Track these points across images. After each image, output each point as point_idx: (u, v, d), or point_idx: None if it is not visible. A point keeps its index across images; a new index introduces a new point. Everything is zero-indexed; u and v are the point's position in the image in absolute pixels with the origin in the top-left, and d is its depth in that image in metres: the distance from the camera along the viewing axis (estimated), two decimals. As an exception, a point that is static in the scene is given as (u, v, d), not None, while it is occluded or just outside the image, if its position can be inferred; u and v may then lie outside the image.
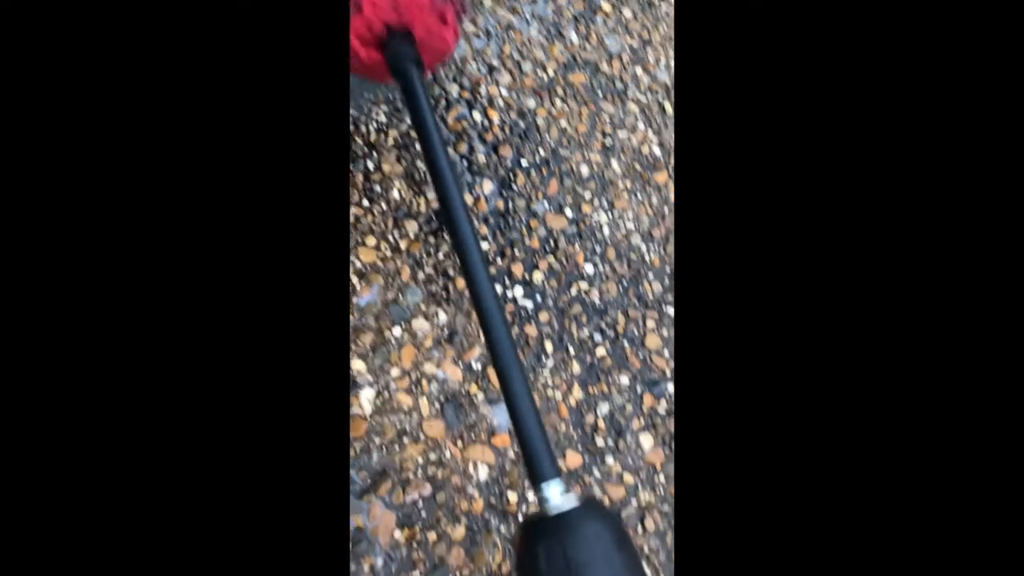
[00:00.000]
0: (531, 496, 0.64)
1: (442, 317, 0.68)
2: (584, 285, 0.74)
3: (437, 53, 0.51)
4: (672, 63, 0.92)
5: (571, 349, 0.70)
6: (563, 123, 0.82)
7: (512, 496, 0.62)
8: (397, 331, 0.65)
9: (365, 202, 0.71)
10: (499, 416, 0.65)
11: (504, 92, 0.81)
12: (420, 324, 0.66)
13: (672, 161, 0.85)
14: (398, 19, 0.46)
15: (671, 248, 0.80)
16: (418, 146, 0.64)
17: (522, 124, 0.80)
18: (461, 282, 0.70)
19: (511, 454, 0.63)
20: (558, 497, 0.32)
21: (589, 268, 0.75)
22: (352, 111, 0.75)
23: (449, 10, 0.49)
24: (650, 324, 0.74)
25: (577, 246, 0.76)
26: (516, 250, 0.74)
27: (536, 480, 0.30)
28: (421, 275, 0.69)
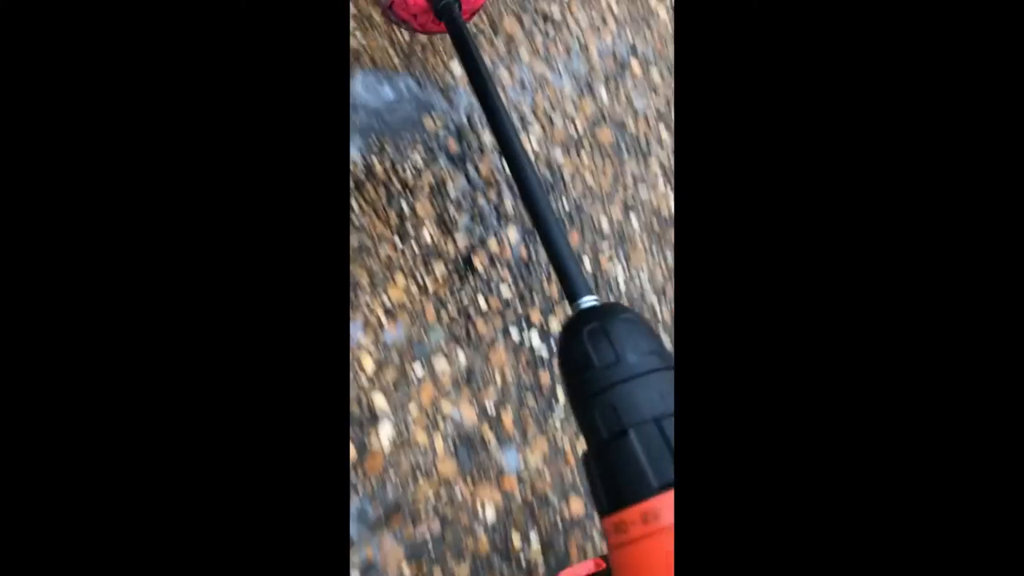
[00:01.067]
0: (533, 537, 0.66)
1: (461, 358, 0.71)
2: (597, 336, 0.77)
3: (472, 4, 0.58)
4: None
5: (581, 398, 0.73)
6: (588, 177, 0.86)
7: (516, 538, 0.65)
8: (419, 369, 0.68)
9: (398, 241, 0.74)
10: (509, 459, 0.68)
11: (535, 144, 0.85)
12: (441, 363, 0.70)
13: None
14: None
15: (682, 306, 0.83)
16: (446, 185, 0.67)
17: (549, 176, 0.84)
18: (481, 324, 0.73)
19: (518, 498, 0.66)
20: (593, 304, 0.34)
21: (603, 320, 0.79)
22: (390, 152, 0.79)
23: None
24: (657, 379, 0.78)
25: (593, 298, 0.79)
26: (535, 296, 0.77)
27: (573, 297, 0.33)
28: (445, 316, 0.72)
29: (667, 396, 0.24)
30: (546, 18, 0.93)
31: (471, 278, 0.75)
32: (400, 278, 0.72)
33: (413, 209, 0.76)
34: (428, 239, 0.75)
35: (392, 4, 0.61)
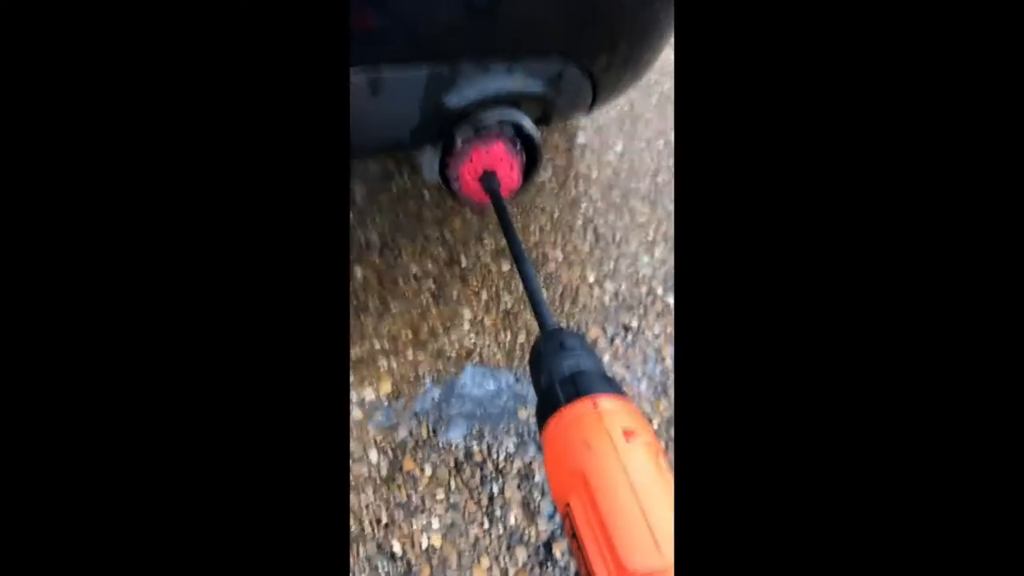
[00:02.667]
0: None
1: (536, 655, 0.72)
2: None
3: (509, 187, 0.78)
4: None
5: None
6: (662, 473, 0.94)
7: None
8: (494, 663, 0.70)
9: (486, 523, 0.82)
10: None
11: (613, 438, 0.96)
12: (515, 659, 0.71)
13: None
14: (489, 165, 0.73)
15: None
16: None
17: (626, 469, 0.92)
18: (557, 619, 0.75)
19: None
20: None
21: None
22: (487, 439, 0.92)
23: (517, 163, 0.78)
24: None
25: None
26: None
27: (543, 326, 0.40)
28: (523, 606, 0.75)
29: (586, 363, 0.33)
30: (627, 328, 1.11)
31: (549, 566, 0.80)
32: (485, 560, 0.79)
33: (503, 492, 0.86)
34: (513, 523, 0.83)
35: (460, 190, 0.82)
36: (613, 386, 0.33)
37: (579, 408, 0.30)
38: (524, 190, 0.83)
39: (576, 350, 0.35)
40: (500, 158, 0.74)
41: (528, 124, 0.72)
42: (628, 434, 0.29)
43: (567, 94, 0.77)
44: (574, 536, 0.27)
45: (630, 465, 0.27)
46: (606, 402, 0.31)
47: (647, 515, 0.26)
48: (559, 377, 0.33)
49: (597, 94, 0.83)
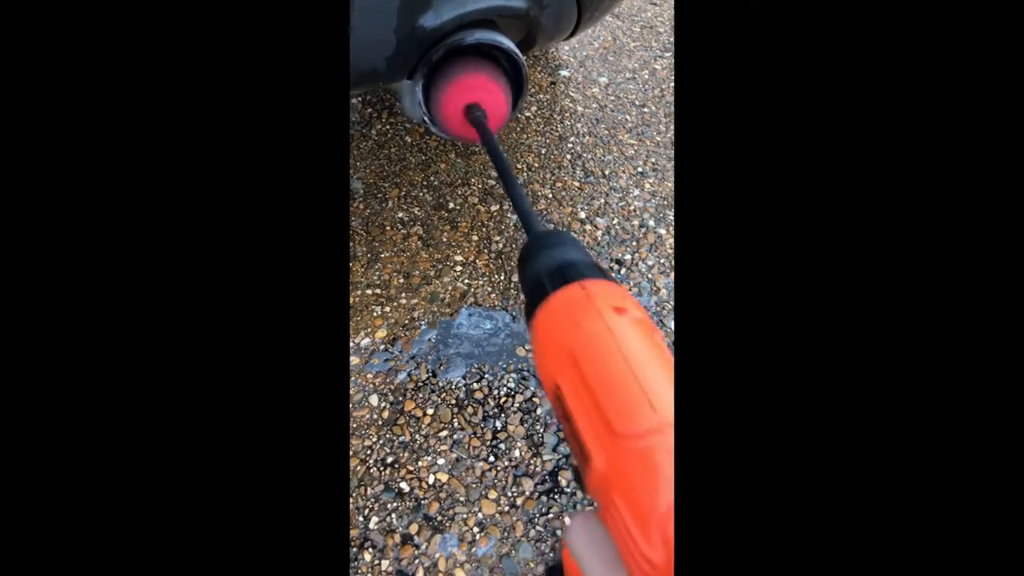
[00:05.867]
0: None
1: (547, 577, 0.74)
2: None
3: (498, 118, 0.75)
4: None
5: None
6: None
7: None
8: (508, 587, 0.72)
9: (491, 458, 0.83)
10: None
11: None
12: (528, 582, 0.73)
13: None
14: (473, 95, 0.71)
15: None
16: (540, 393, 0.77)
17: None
18: (566, 543, 0.78)
19: None
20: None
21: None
22: (487, 375, 0.92)
23: (502, 90, 0.74)
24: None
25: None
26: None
27: (531, 231, 0.39)
28: (533, 532, 0.77)
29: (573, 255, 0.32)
30: (619, 263, 1.10)
31: (556, 494, 0.81)
32: (492, 493, 0.80)
33: (506, 427, 0.86)
34: (518, 456, 0.84)
35: (445, 125, 0.77)
36: (605, 274, 0.31)
37: (568, 292, 0.29)
38: (511, 119, 0.80)
39: (565, 245, 0.33)
40: (483, 85, 0.71)
41: (510, 45, 0.69)
42: (619, 310, 0.27)
43: (551, 8, 0.73)
44: (567, 419, 0.26)
45: (620, 336, 0.26)
46: (596, 285, 0.29)
47: (639, 379, 0.24)
48: (547, 270, 0.31)
49: (582, 12, 0.79)
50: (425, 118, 0.74)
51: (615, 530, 0.22)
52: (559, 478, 0.82)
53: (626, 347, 0.25)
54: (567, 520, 0.79)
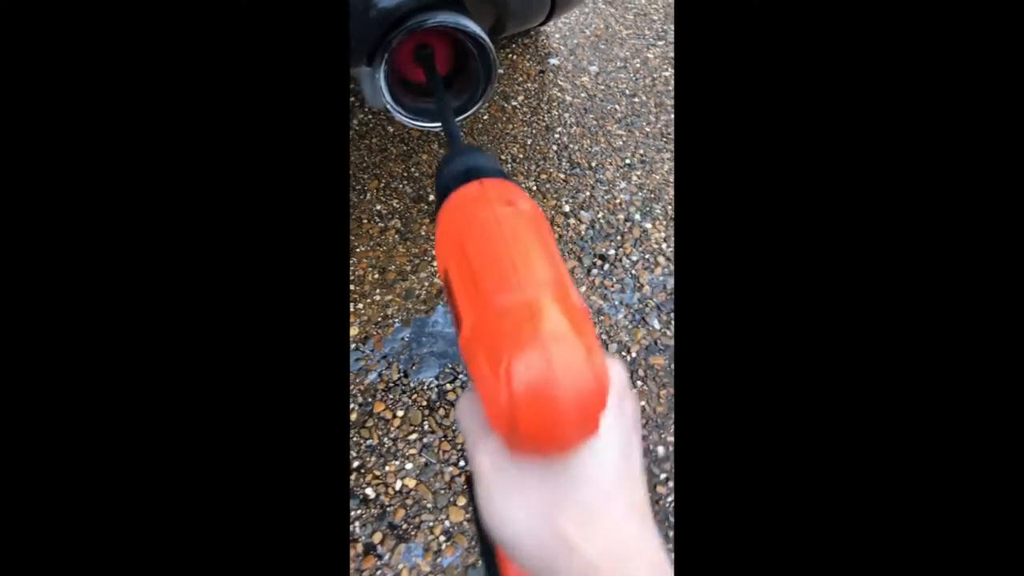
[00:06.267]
0: None
1: (516, 589, 0.71)
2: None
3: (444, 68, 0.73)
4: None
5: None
6: (643, 403, 0.91)
7: None
8: (473, 599, 0.69)
9: (462, 462, 0.80)
10: None
11: (592, 369, 0.92)
12: (495, 594, 0.70)
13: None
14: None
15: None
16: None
17: (606, 400, 0.90)
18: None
19: None
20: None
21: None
22: (461, 375, 0.88)
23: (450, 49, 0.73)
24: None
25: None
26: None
27: (452, 146, 0.41)
28: (501, 542, 0.74)
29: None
30: (603, 258, 1.06)
31: (529, 501, 0.78)
32: (462, 499, 0.76)
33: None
34: (490, 461, 0.80)
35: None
36: (506, 176, 0.33)
37: (467, 189, 0.31)
38: (482, 107, 0.75)
39: (476, 154, 0.35)
40: (433, 34, 0.68)
41: (476, 28, 0.64)
42: (509, 203, 0.29)
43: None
44: (450, 295, 0.27)
45: (503, 221, 0.27)
46: (494, 183, 0.31)
47: (510, 253, 0.26)
48: (453, 173, 0.33)
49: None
50: (388, 104, 0.70)
51: (479, 384, 0.24)
52: (532, 484, 0.79)
53: (505, 229, 0.27)
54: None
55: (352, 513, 0.75)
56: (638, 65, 1.50)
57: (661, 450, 0.86)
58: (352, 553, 0.72)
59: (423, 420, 0.84)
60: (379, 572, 0.71)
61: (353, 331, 0.94)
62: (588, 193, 1.17)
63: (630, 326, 0.99)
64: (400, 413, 0.85)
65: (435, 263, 1.03)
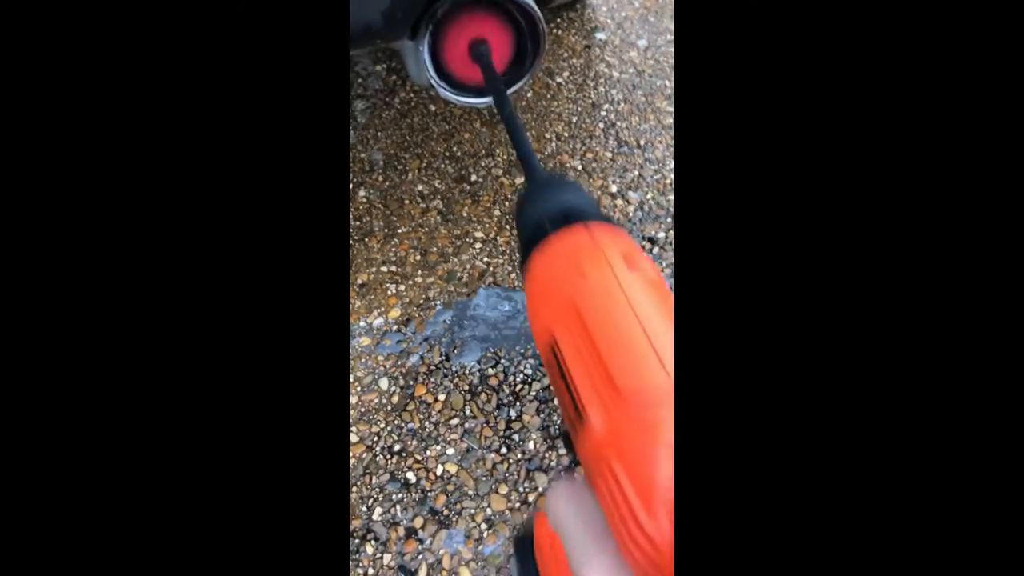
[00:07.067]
0: None
1: (559, 580, 0.69)
2: None
3: (503, 62, 0.69)
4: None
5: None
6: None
7: None
8: (515, 589, 0.67)
9: (504, 449, 0.78)
10: None
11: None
12: (537, 585, 0.68)
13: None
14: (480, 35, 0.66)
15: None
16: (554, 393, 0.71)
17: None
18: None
19: None
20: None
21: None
22: (503, 360, 0.86)
23: (509, 36, 0.68)
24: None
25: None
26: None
27: (531, 176, 0.37)
28: (544, 532, 0.72)
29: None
30: (652, 241, 1.02)
31: (572, 491, 0.76)
32: (503, 487, 0.75)
33: (520, 417, 0.81)
34: (532, 448, 0.78)
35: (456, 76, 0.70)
36: (612, 221, 0.28)
37: (571, 235, 0.26)
38: (528, 80, 0.72)
39: (569, 189, 0.29)
40: (487, 22, 0.64)
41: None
42: (629, 261, 0.24)
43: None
44: (561, 375, 0.23)
45: (631, 290, 0.23)
46: (602, 229, 0.26)
47: (650, 337, 0.21)
48: (547, 212, 0.28)
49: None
50: (433, 80, 0.67)
51: (608, 501, 0.20)
52: (577, 474, 0.76)
53: (636, 302, 0.23)
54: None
55: (393, 496, 0.75)
56: (690, 38, 1.43)
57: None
58: (394, 536, 0.72)
59: (464, 405, 0.82)
60: (420, 556, 0.70)
61: (395, 313, 0.93)
62: (636, 172, 1.12)
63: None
64: (441, 397, 0.83)
65: (477, 246, 1.01)
